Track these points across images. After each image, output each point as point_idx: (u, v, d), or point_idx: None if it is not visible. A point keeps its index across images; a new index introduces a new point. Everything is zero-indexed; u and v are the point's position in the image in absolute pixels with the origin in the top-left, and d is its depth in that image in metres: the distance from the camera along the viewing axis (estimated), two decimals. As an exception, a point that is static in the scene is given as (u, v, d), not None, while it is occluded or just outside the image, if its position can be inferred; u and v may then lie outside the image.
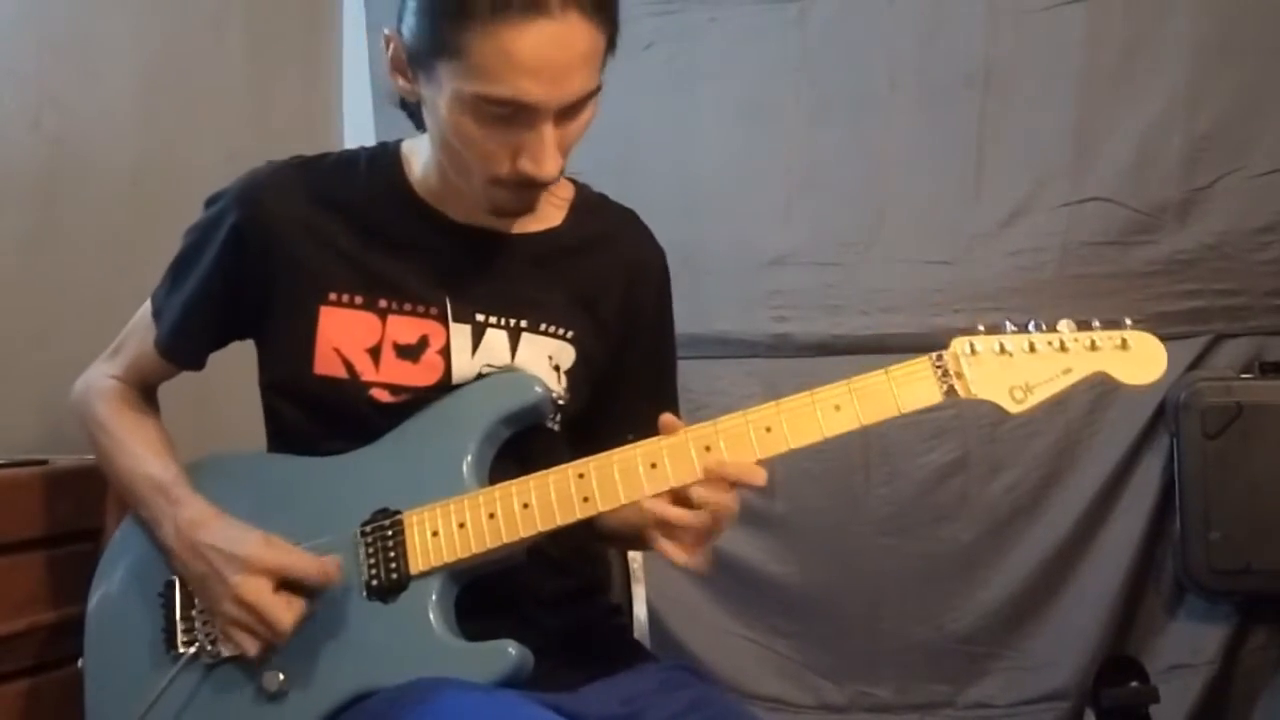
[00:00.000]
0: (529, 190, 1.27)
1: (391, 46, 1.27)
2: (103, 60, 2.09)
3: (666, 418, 1.23)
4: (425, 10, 1.22)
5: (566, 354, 1.37)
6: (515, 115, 1.20)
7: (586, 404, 1.39)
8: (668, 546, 1.21)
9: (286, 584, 1.27)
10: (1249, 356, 2.40)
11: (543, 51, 1.17)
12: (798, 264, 2.54)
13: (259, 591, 1.25)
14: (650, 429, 1.26)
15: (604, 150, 2.54)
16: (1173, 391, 2.37)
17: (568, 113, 1.22)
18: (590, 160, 2.40)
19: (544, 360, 1.35)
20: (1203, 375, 2.37)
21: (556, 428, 1.36)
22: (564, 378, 1.36)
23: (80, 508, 1.55)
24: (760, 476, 1.19)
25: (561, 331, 1.37)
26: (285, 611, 1.25)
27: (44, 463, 1.61)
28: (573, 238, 1.40)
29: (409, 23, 1.24)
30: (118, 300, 1.49)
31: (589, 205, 1.44)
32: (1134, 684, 2.34)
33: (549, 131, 1.21)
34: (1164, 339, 2.40)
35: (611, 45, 1.24)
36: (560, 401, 1.35)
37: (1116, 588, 2.41)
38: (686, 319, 2.44)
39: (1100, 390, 2.43)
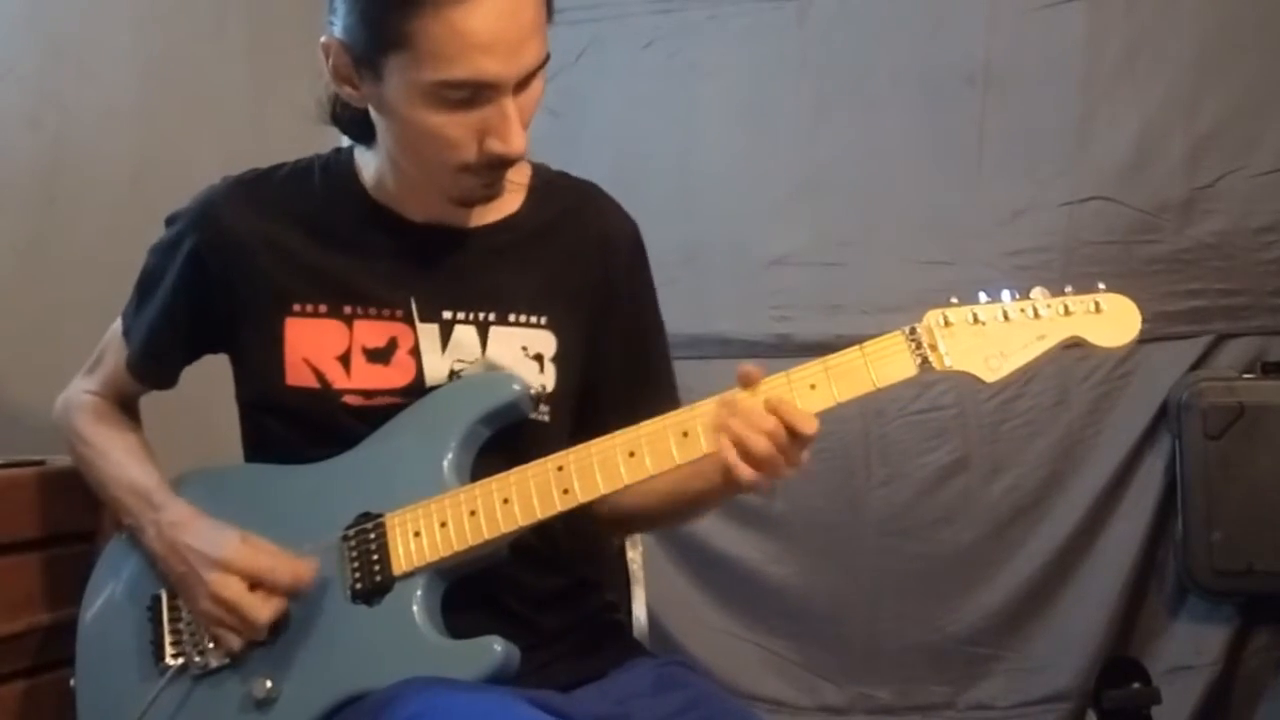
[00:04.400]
0: (497, 172, 1.27)
1: (331, 55, 1.25)
2: (103, 60, 2.10)
3: (744, 368, 1.21)
4: (363, 7, 1.20)
5: (546, 341, 1.35)
6: (475, 96, 1.20)
7: (579, 391, 1.38)
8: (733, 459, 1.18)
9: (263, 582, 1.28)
10: (1251, 356, 2.38)
11: (494, 25, 1.17)
12: (798, 264, 2.54)
13: (235, 590, 1.26)
14: (638, 409, 1.25)
15: (604, 149, 2.56)
16: (1175, 392, 2.36)
17: (523, 84, 1.22)
18: (590, 159, 2.42)
19: (517, 352, 1.34)
20: (1205, 375, 2.36)
21: (546, 418, 1.35)
22: (549, 366, 1.35)
23: (77, 509, 1.55)
24: (810, 424, 1.17)
25: (534, 319, 1.35)
26: (261, 608, 1.26)
27: (41, 463, 1.61)
28: (533, 221, 1.39)
29: (346, 24, 1.22)
30: (117, 301, 1.49)
31: (547, 185, 1.42)
32: (1135, 685, 2.33)
33: (511, 106, 1.21)
34: (1166, 339, 2.43)
35: (549, 13, 1.24)
36: (537, 395, 1.34)
37: (1118, 589, 2.40)
38: (686, 319, 2.46)
39: (1102, 390, 2.43)
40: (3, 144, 1.93)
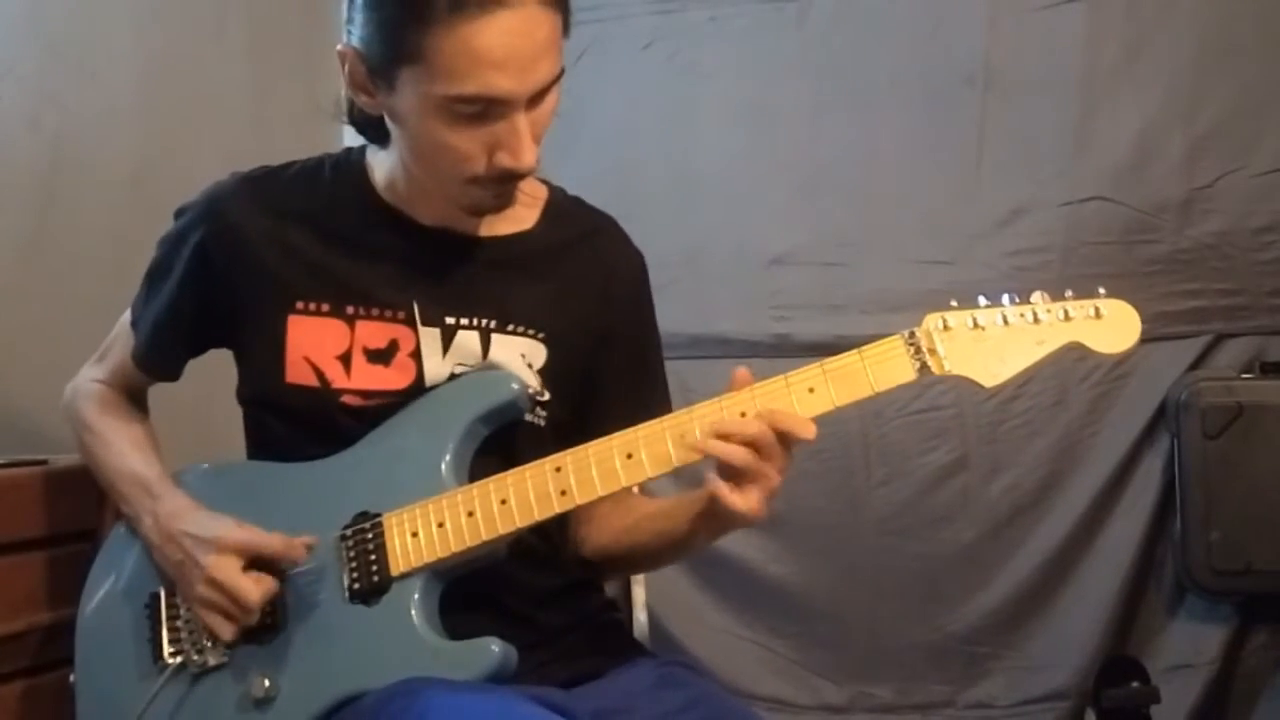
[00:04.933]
0: (507, 185, 1.27)
1: (348, 63, 1.25)
2: (102, 60, 2.09)
3: (739, 373, 1.22)
4: (379, 20, 1.20)
5: (538, 353, 1.36)
6: (486, 111, 1.20)
7: (571, 410, 1.38)
8: (723, 489, 1.19)
9: (258, 565, 1.28)
10: (1250, 356, 2.39)
11: (507, 42, 1.17)
12: (798, 264, 2.54)
13: (227, 569, 1.26)
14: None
15: (604, 150, 2.56)
16: (1173, 391, 2.37)
17: (536, 100, 1.22)
18: (591, 160, 2.43)
19: (517, 359, 1.35)
20: (1203, 375, 2.36)
21: (541, 422, 1.35)
22: (537, 376, 1.35)
23: (79, 508, 1.55)
24: (809, 430, 1.18)
25: (532, 331, 1.36)
26: (253, 587, 1.26)
27: (43, 463, 1.61)
28: (545, 240, 1.39)
29: (362, 35, 1.22)
30: (117, 300, 1.50)
31: (563, 208, 1.43)
32: (1134, 684, 2.33)
33: (522, 122, 1.21)
34: (1165, 339, 2.43)
35: (566, 28, 1.23)
36: (539, 397, 1.34)
37: (1117, 588, 2.40)
38: (686, 319, 2.47)
39: (1101, 390, 2.43)
40: (2, 144, 1.92)
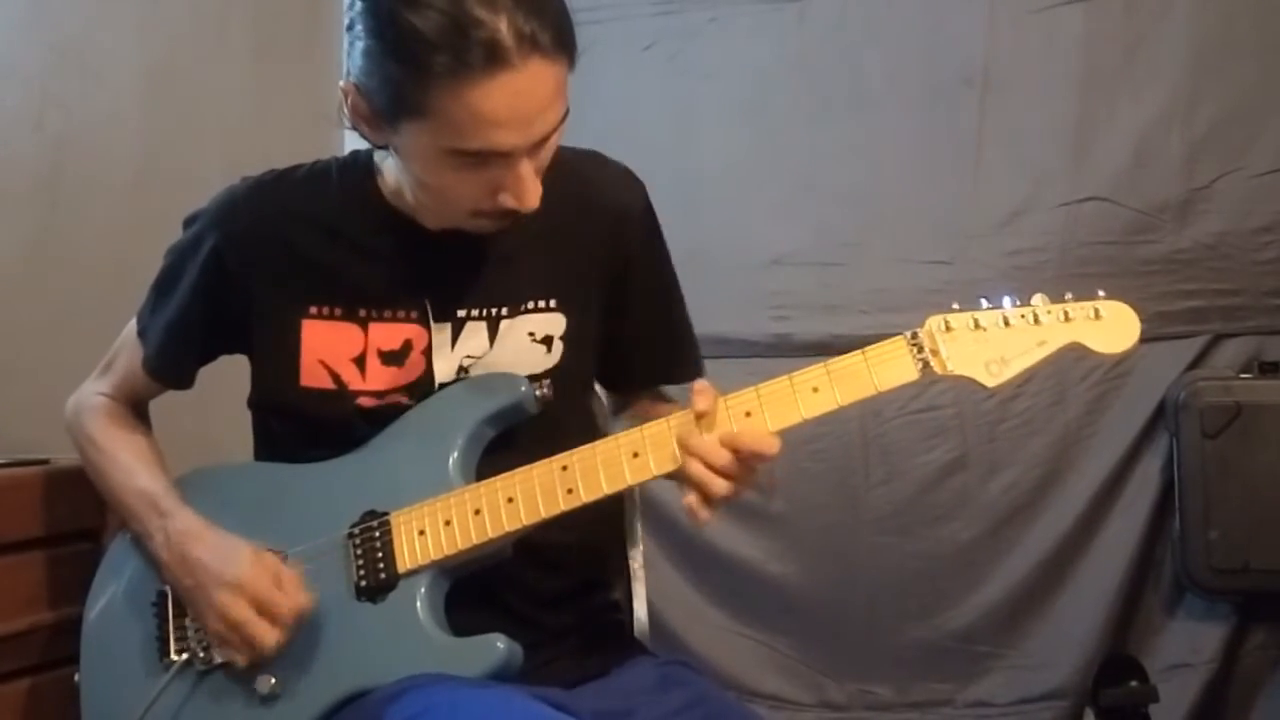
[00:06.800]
0: (511, 216, 1.28)
1: (349, 98, 1.24)
2: (106, 62, 2.10)
3: (698, 385, 1.24)
4: (382, 75, 1.19)
5: (556, 322, 1.36)
6: (489, 160, 1.20)
7: (599, 362, 1.40)
8: (700, 513, 1.21)
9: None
10: (1248, 356, 2.39)
11: (511, 103, 1.16)
12: (798, 264, 2.54)
13: (244, 613, 1.27)
14: (667, 368, 1.34)
15: (604, 150, 2.56)
16: (1172, 391, 2.37)
17: (540, 143, 1.22)
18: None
19: (524, 339, 1.35)
20: (1202, 375, 2.36)
21: (549, 393, 1.34)
22: (558, 344, 1.36)
23: (81, 507, 1.56)
24: (773, 445, 1.19)
25: (545, 303, 1.36)
26: (269, 634, 1.27)
27: (45, 462, 1.61)
28: (543, 208, 1.35)
29: (366, 82, 1.21)
30: (120, 301, 1.50)
31: (551, 165, 1.38)
32: (1133, 683, 2.33)
33: (526, 168, 1.22)
34: (1163, 339, 2.43)
35: (572, 64, 1.22)
36: (543, 396, 1.34)
37: (1116, 587, 2.40)
38: (686, 319, 2.46)
39: (1100, 390, 2.44)
40: (6, 146, 1.93)
